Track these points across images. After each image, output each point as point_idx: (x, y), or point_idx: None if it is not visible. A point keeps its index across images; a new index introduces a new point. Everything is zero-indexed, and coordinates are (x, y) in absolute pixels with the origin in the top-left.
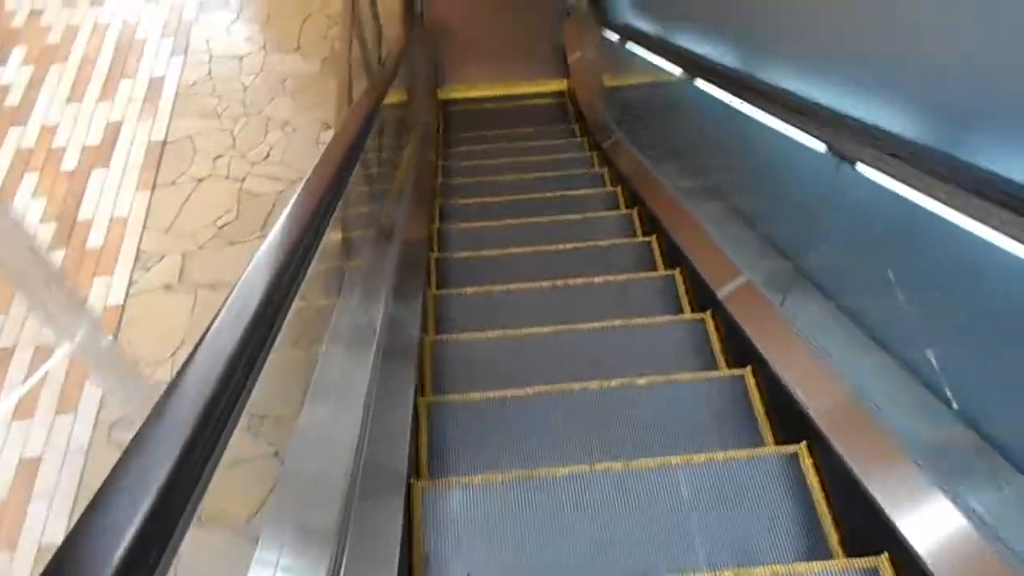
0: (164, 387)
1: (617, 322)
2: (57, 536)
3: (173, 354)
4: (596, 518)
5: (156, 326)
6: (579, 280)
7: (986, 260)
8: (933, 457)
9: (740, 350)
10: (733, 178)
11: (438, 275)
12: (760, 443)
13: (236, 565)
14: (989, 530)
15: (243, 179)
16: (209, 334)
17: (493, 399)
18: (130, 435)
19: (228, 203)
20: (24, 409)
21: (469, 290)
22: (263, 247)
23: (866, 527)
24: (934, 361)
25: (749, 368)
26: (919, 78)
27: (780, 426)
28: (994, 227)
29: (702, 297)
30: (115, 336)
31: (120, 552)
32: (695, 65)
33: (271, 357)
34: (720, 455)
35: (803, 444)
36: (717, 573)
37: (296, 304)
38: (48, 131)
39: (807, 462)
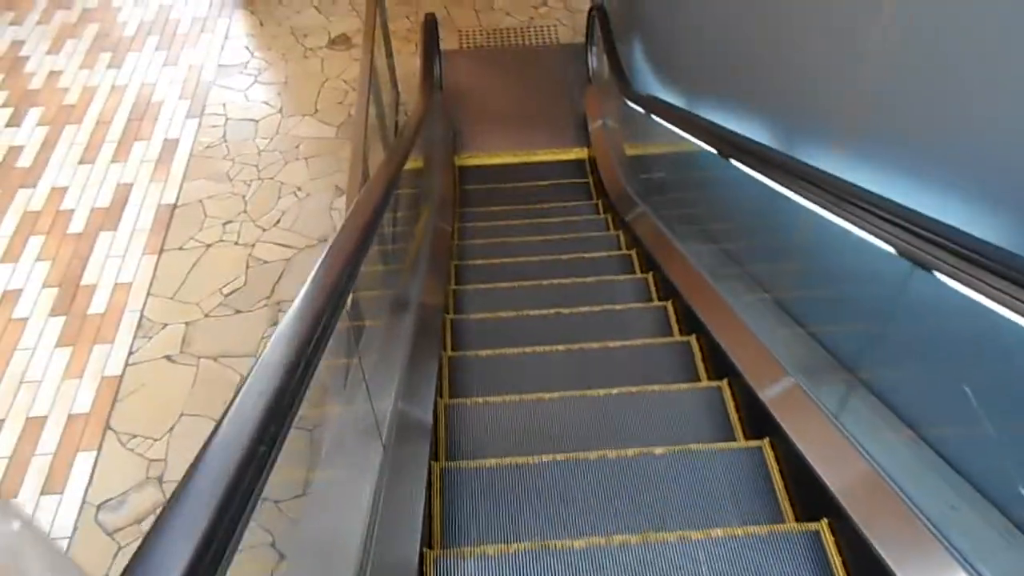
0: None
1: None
2: None
3: (170, 430)
4: None
5: (153, 399)
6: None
7: None
8: None
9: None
10: (776, 269)
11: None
12: (780, 517)
13: None
14: None
15: (252, 245)
16: (224, 425)
17: (508, 465)
18: None
19: (236, 270)
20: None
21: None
22: (281, 327)
23: None
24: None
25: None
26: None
27: (799, 500)
28: None
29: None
30: (111, 408)
31: None
32: (731, 145)
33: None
34: (740, 531)
35: (824, 521)
36: None
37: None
38: (57, 192)
39: (829, 540)
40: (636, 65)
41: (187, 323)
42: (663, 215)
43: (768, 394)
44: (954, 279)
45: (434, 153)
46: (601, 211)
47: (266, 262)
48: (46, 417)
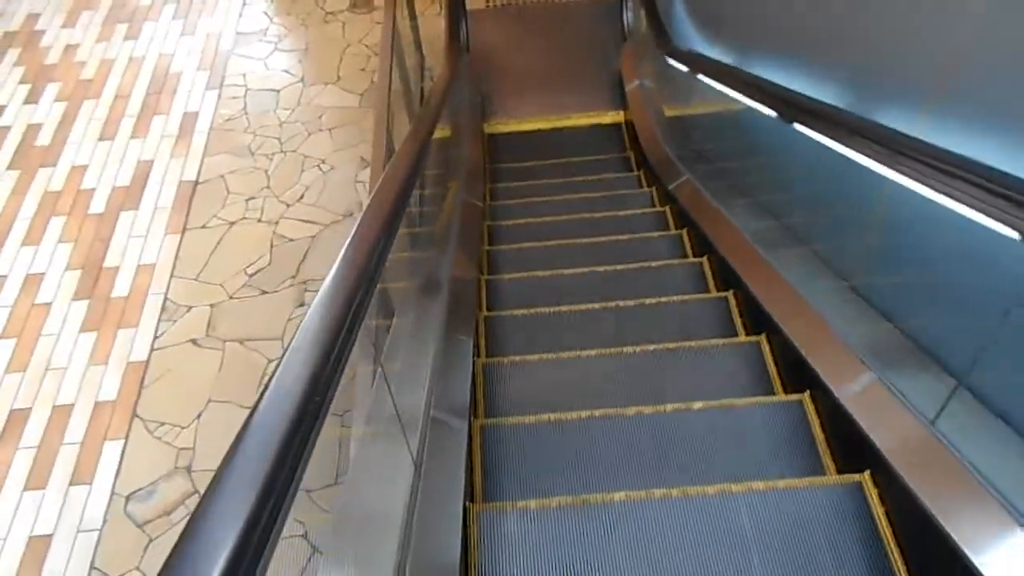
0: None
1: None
2: None
3: (198, 417)
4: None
5: (180, 385)
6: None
7: None
8: None
9: None
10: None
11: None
12: (821, 471)
13: None
14: None
15: (276, 222)
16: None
17: (546, 422)
18: None
19: (260, 248)
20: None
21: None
22: (314, 306)
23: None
24: None
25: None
26: None
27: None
28: None
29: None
30: (138, 395)
31: None
32: (796, 107)
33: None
34: (781, 483)
35: (867, 473)
36: None
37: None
38: (77, 171)
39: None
40: (677, 17)
41: (212, 305)
42: (711, 186)
43: (807, 348)
44: None
45: (461, 120)
46: (643, 184)
47: (291, 240)
48: (72, 405)
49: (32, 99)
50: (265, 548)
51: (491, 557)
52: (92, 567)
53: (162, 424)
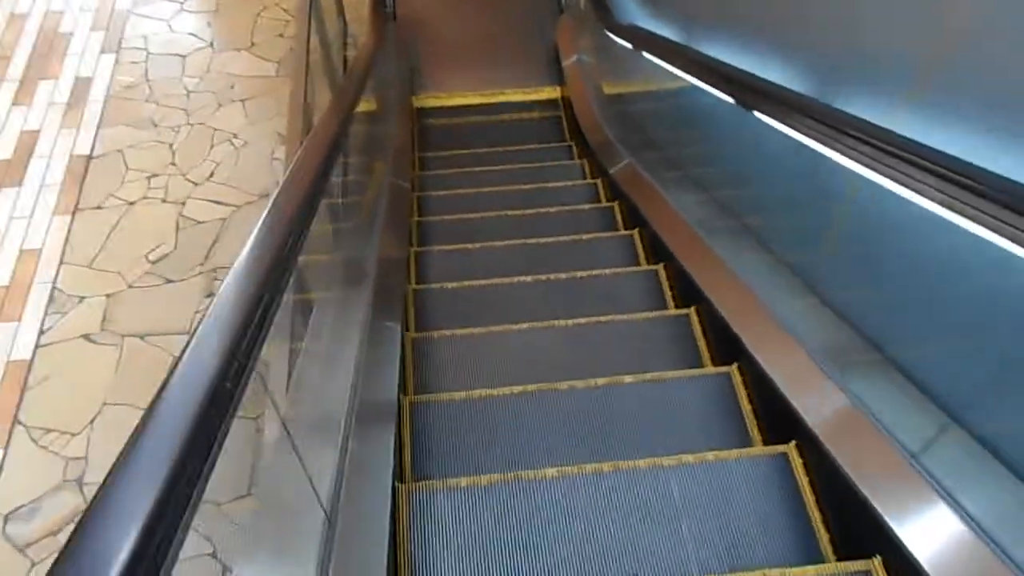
0: None
1: None
2: None
3: (91, 423)
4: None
5: (70, 387)
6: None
7: None
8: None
9: None
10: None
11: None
12: (748, 442)
13: None
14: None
15: (183, 202)
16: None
17: (477, 398)
18: None
19: (164, 232)
20: None
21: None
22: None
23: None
24: None
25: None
26: None
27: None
28: None
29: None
30: (20, 398)
31: None
32: (755, 94)
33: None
34: (711, 455)
35: (792, 444)
36: None
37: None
38: None
39: (797, 462)
40: None
41: (108, 295)
42: (658, 176)
43: (736, 319)
44: None
45: (388, 93)
46: (576, 157)
47: (199, 222)
48: None
49: None
50: (172, 543)
51: (420, 537)
52: None
53: (49, 431)
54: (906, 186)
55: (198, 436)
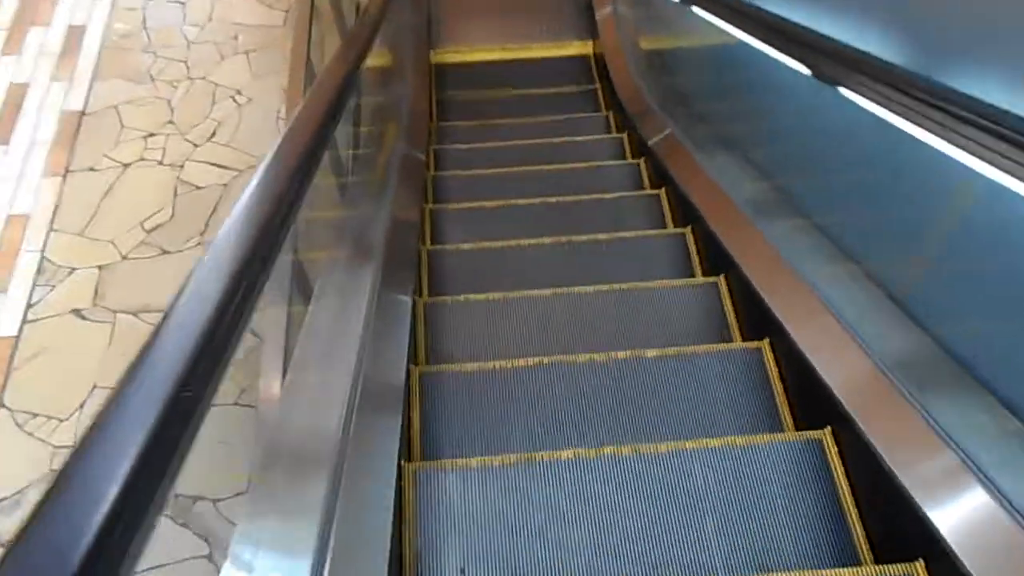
0: None
1: None
2: None
3: (80, 407)
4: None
5: (59, 367)
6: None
7: None
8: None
9: None
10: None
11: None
12: (779, 422)
13: None
14: None
15: (181, 165)
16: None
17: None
18: None
19: (161, 198)
20: None
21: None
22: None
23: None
24: None
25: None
26: None
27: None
28: None
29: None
30: (5, 379)
31: None
32: (842, 65)
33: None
34: (739, 440)
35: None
36: None
37: None
38: None
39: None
40: None
41: (100, 267)
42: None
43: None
44: None
45: (403, 47)
46: (613, 129)
47: (198, 187)
48: None
49: None
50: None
51: (427, 520)
52: None
53: (35, 416)
54: None
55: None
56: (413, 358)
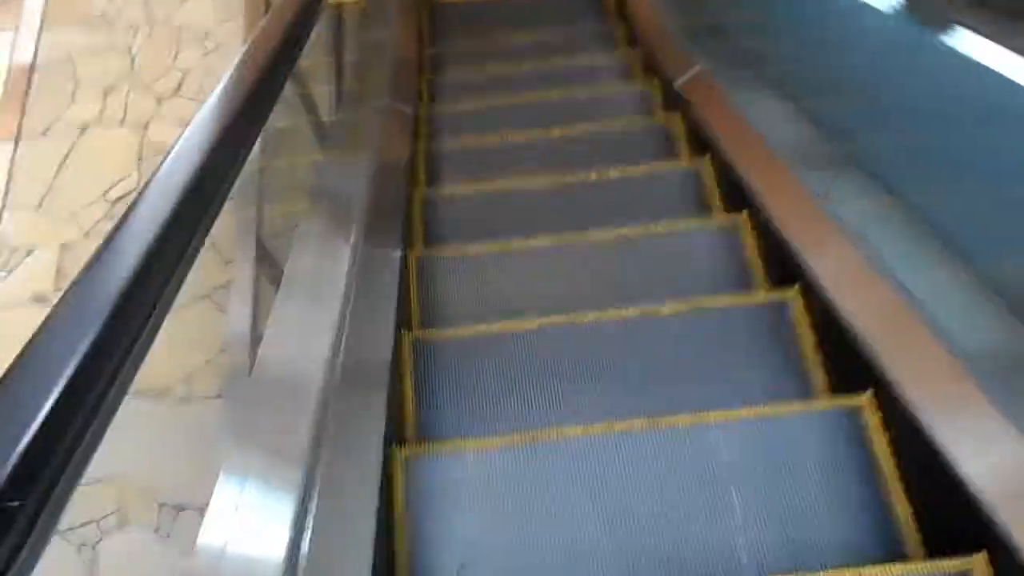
0: None
1: None
2: None
3: None
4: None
5: None
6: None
7: None
8: None
9: None
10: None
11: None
12: (809, 386)
13: None
14: None
15: (146, 124)
16: None
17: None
18: None
19: (125, 162)
20: None
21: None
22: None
23: None
24: None
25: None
26: None
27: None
28: None
29: None
30: None
31: None
32: None
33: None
34: (767, 410)
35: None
36: None
37: None
38: None
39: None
40: None
41: (61, 245)
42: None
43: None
44: None
45: None
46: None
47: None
48: None
49: None
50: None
51: (420, 507)
52: None
53: None
54: None
55: None
56: (404, 321)
